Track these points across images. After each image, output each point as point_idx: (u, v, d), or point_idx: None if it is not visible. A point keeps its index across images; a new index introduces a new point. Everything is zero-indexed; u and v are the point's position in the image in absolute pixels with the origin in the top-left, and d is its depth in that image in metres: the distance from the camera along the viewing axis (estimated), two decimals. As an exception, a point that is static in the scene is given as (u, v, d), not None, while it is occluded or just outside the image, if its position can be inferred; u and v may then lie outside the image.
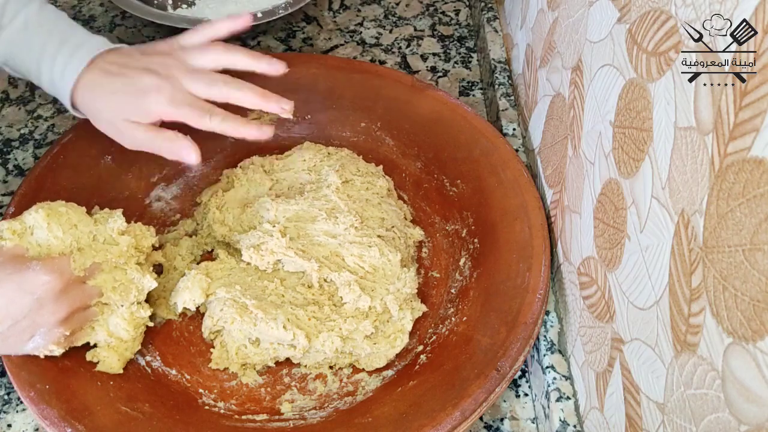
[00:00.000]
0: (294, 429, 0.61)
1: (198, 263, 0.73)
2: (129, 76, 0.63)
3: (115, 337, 0.62)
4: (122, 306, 0.62)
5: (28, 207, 0.67)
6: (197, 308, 0.69)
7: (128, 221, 0.67)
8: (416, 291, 0.70)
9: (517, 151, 0.77)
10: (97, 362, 0.63)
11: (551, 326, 0.65)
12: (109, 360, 0.62)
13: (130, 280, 0.63)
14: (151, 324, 0.66)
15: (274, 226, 0.69)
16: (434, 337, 0.67)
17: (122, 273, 0.63)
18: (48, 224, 0.60)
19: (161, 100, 0.62)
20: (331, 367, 0.66)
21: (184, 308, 0.67)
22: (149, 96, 0.62)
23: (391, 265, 0.68)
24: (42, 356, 0.59)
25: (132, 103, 0.62)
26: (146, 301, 0.66)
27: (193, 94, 0.63)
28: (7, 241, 0.59)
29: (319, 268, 0.67)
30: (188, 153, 0.63)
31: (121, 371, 0.63)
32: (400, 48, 0.98)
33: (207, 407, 0.63)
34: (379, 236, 0.70)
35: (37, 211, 0.61)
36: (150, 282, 0.65)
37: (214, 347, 0.67)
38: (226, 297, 0.65)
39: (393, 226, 0.73)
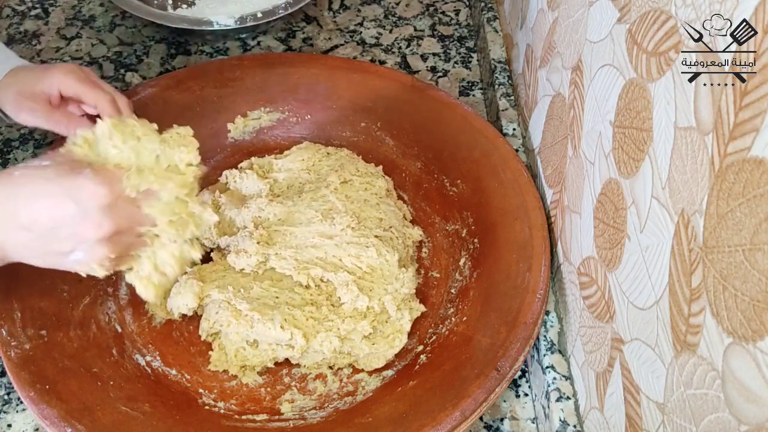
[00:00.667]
0: (294, 429, 0.61)
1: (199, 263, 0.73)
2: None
3: (159, 272, 0.59)
4: (175, 242, 0.58)
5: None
6: (197, 309, 0.69)
7: None
8: (414, 291, 0.70)
9: (517, 151, 0.77)
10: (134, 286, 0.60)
11: (551, 326, 0.65)
12: (146, 293, 0.60)
13: (190, 213, 0.58)
14: (198, 262, 0.62)
15: (256, 228, 0.69)
16: (434, 337, 0.67)
17: (183, 205, 0.58)
18: (110, 133, 0.56)
19: (63, 76, 0.69)
20: (330, 367, 0.66)
21: (180, 313, 0.67)
22: (55, 71, 0.69)
23: (389, 266, 0.68)
24: (84, 274, 0.55)
25: (36, 77, 0.70)
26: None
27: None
28: (78, 148, 0.56)
29: (303, 270, 0.67)
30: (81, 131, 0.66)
31: (158, 303, 0.61)
32: (400, 48, 0.98)
33: (207, 407, 0.63)
34: (376, 236, 0.70)
35: (104, 121, 0.57)
36: (211, 216, 0.59)
37: (212, 349, 0.67)
38: (221, 299, 0.65)
39: (391, 227, 0.73)
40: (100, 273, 0.55)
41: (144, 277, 0.59)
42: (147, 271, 0.59)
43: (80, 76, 0.70)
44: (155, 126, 0.59)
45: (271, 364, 0.66)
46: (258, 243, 0.68)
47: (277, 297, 0.67)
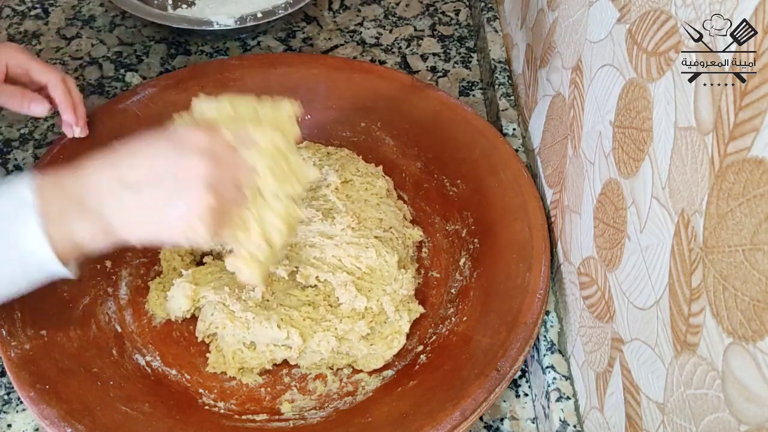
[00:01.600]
0: (294, 429, 0.61)
1: (198, 264, 0.73)
2: None
3: (266, 241, 0.54)
4: (279, 199, 0.53)
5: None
6: (197, 309, 0.69)
7: None
8: (413, 292, 0.69)
9: (517, 151, 0.77)
10: (233, 273, 0.56)
11: (551, 326, 0.65)
12: (251, 273, 0.54)
13: (292, 168, 0.54)
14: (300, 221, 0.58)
15: None
16: (434, 337, 0.67)
17: (284, 159, 0.54)
18: (206, 101, 0.58)
19: (12, 52, 0.67)
20: (330, 368, 0.66)
21: (176, 317, 0.67)
22: (2, 47, 0.67)
23: (388, 266, 0.68)
24: (186, 241, 0.52)
25: None
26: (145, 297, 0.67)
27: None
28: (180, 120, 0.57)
29: (303, 270, 0.67)
30: (37, 105, 0.67)
31: (263, 282, 0.57)
32: (400, 48, 0.98)
33: (207, 407, 0.63)
34: (376, 237, 0.70)
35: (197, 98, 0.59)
36: (313, 171, 0.56)
37: (210, 351, 0.66)
38: (216, 300, 0.65)
39: (391, 227, 0.73)
40: (201, 231, 0.51)
41: (248, 255, 0.54)
42: (254, 243, 0.54)
43: (28, 53, 0.69)
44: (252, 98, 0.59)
45: (269, 366, 0.66)
46: None
47: (273, 297, 0.67)
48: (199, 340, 0.67)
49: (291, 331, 0.63)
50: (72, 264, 0.53)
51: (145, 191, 0.51)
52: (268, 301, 0.66)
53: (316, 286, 0.68)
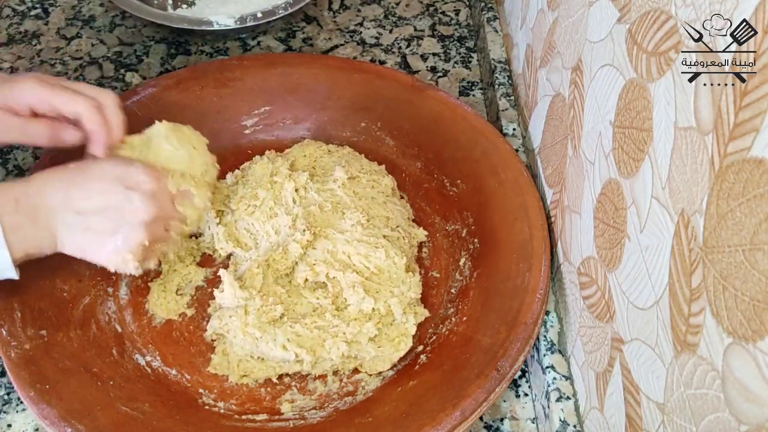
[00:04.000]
0: (294, 429, 0.61)
1: (198, 265, 0.73)
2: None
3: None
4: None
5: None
6: (197, 309, 0.69)
7: None
8: (420, 296, 0.69)
9: (517, 151, 0.77)
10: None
11: (551, 326, 0.65)
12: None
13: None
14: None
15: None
16: (434, 337, 0.67)
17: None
18: (167, 136, 0.64)
19: (31, 87, 0.61)
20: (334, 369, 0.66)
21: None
22: (20, 83, 0.61)
23: (396, 268, 0.68)
24: (115, 269, 0.60)
25: (4, 90, 0.61)
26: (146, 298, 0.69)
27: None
28: (122, 152, 0.63)
29: (313, 266, 0.67)
30: (68, 134, 0.63)
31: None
32: (400, 48, 0.98)
33: (207, 407, 0.63)
34: (384, 236, 0.70)
35: (159, 123, 0.65)
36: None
37: (214, 351, 0.66)
38: (238, 300, 0.65)
39: (398, 226, 0.73)
40: (131, 265, 0.60)
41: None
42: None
43: (51, 81, 0.62)
44: (206, 141, 0.69)
45: (275, 379, 0.65)
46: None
47: (281, 302, 0.66)
48: (208, 338, 0.67)
49: (298, 351, 0.63)
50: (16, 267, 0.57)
51: (92, 221, 0.57)
52: (283, 316, 0.66)
53: (325, 286, 0.67)
